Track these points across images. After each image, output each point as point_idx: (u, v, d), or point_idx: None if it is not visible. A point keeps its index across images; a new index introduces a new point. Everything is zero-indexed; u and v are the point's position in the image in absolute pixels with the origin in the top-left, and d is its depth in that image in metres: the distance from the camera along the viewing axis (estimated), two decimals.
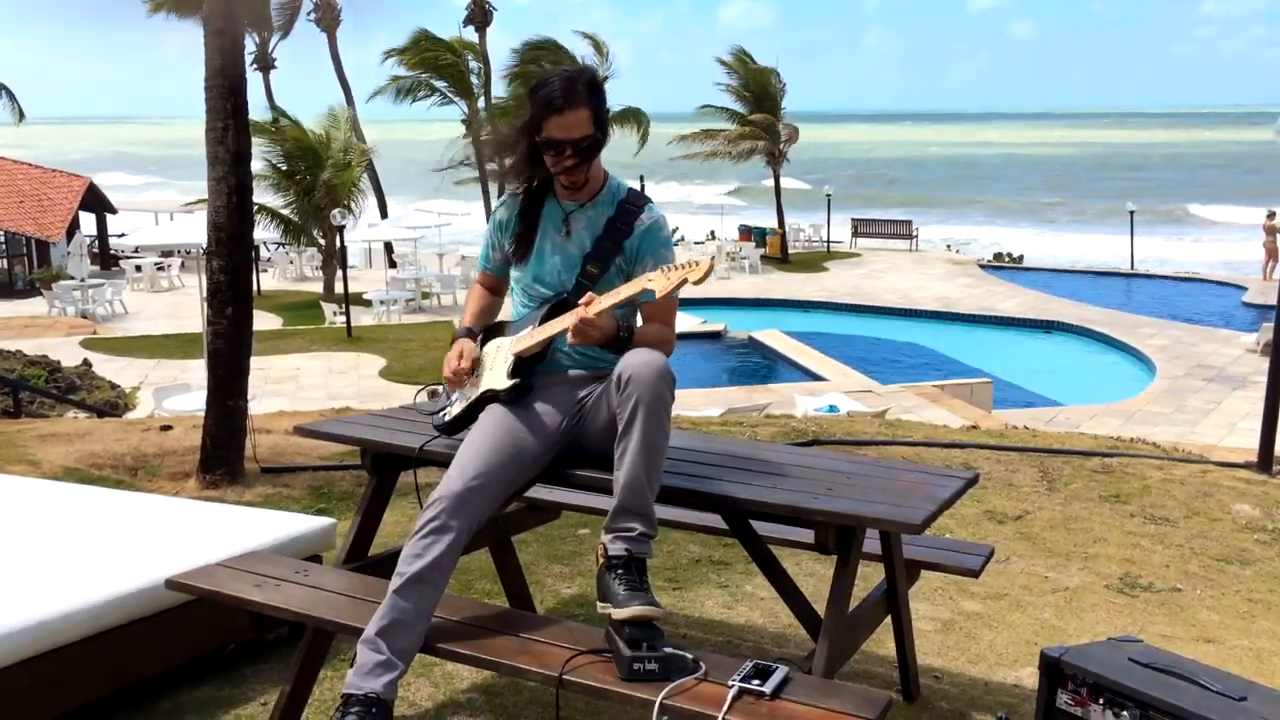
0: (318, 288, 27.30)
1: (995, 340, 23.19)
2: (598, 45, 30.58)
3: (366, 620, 2.67)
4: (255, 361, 17.59)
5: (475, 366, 3.02)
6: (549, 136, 2.80)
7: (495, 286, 3.21)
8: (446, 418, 3.05)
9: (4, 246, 31.97)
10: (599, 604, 2.65)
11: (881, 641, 3.82)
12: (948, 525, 5.55)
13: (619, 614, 2.55)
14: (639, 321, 3.00)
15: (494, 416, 2.91)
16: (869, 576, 3.56)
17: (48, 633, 2.95)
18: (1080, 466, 6.87)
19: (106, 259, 33.30)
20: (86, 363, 17.04)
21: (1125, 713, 2.25)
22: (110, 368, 17.31)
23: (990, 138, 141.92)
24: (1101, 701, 2.31)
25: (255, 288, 26.49)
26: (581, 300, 2.77)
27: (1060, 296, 26.71)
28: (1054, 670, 2.42)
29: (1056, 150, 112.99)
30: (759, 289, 28.03)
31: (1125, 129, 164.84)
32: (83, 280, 25.38)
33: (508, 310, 3.21)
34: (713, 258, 2.68)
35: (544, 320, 2.92)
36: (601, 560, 2.67)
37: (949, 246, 38.43)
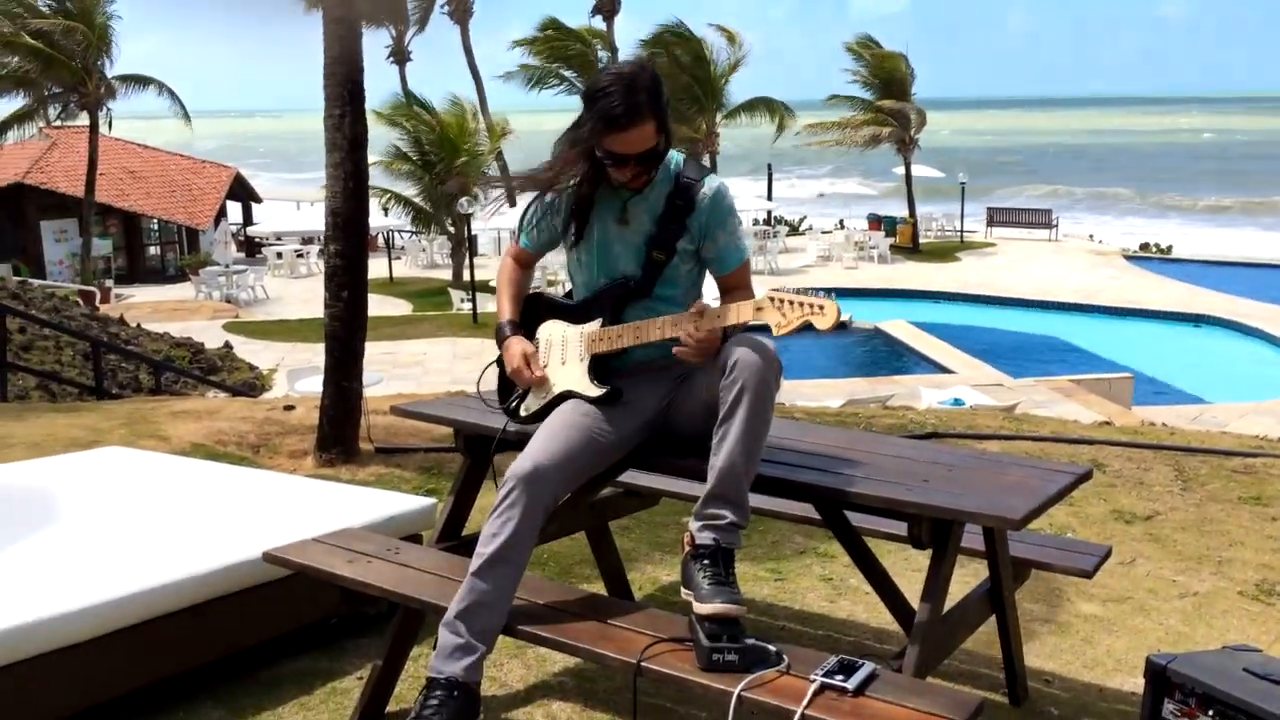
0: (447, 275, 27.93)
1: (1138, 334, 22.22)
2: (730, 36, 30.36)
3: (451, 599, 2.67)
4: (383, 346, 18.08)
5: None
6: (610, 150, 2.65)
7: (529, 261, 3.06)
8: (522, 410, 2.97)
9: (157, 234, 33.72)
10: (682, 590, 2.60)
11: (991, 641, 3.66)
12: (1070, 524, 5.31)
13: (700, 609, 2.49)
14: (704, 296, 2.86)
15: (574, 403, 2.84)
16: (983, 574, 3.42)
17: (150, 601, 3.05)
18: (1219, 466, 6.49)
19: (251, 246, 34.76)
20: (228, 345, 17.80)
21: None
22: (250, 350, 18.04)
23: (1137, 124, 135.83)
24: (1211, 713, 2.14)
25: (388, 274, 27.38)
26: (693, 309, 2.63)
27: (1211, 289, 25.38)
28: (1160, 678, 2.25)
29: (1210, 137, 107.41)
30: (887, 279, 27.48)
31: None
32: (227, 266, 26.52)
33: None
34: (838, 307, 2.53)
35: (611, 309, 2.82)
36: (688, 548, 2.61)
37: (1091, 237, 36.97)
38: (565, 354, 2.89)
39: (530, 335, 2.96)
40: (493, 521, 2.67)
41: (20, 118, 29.17)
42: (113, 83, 27.85)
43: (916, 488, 2.69)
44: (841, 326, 21.37)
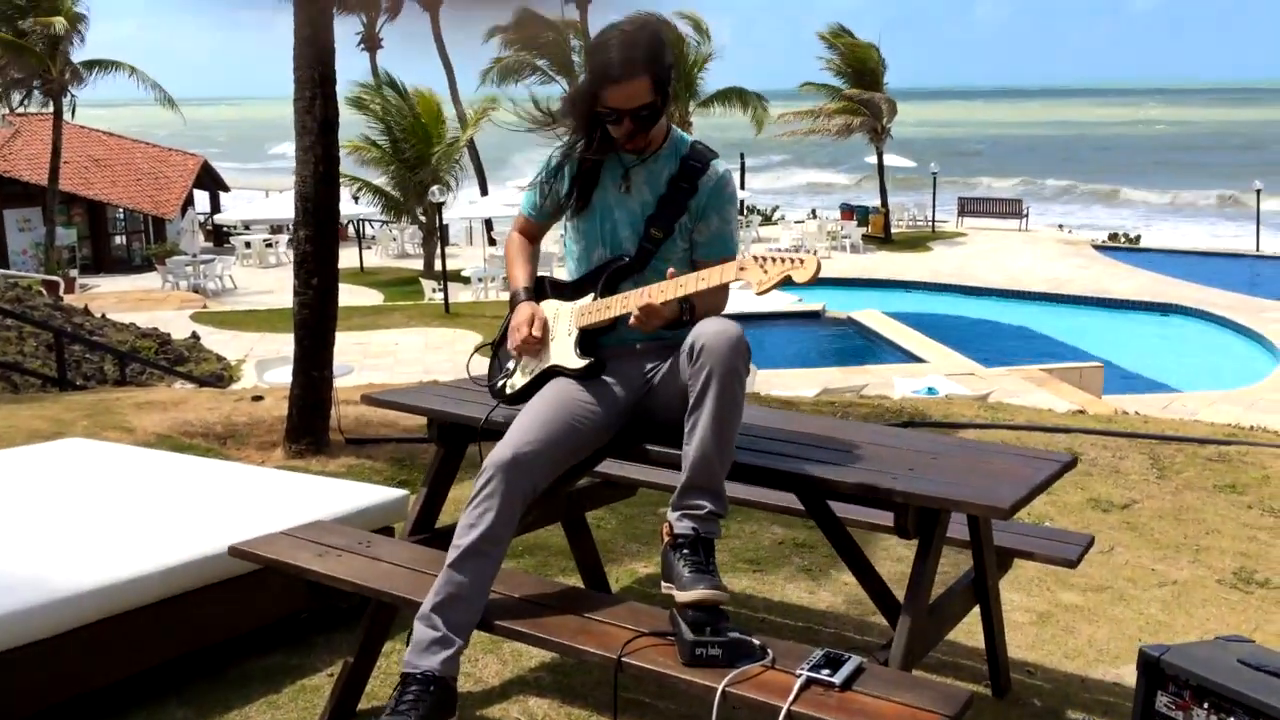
0: (419, 265, 27.72)
1: (1108, 323, 22.36)
2: (698, 25, 30.26)
3: (425, 593, 2.59)
4: (354, 336, 17.89)
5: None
6: (607, 105, 2.64)
7: (535, 234, 3.05)
8: (508, 389, 2.93)
9: (123, 223, 33.25)
10: (663, 584, 2.53)
11: (971, 632, 3.62)
12: (1048, 513, 5.28)
13: (682, 597, 2.42)
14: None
15: (555, 386, 2.79)
16: (961, 564, 3.37)
17: (116, 595, 2.95)
18: (1194, 454, 6.50)
19: (219, 236, 34.35)
20: (195, 335, 17.57)
21: (1233, 718, 2.04)
22: (217, 340, 17.82)
23: (1106, 114, 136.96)
24: (1206, 706, 2.10)
25: (359, 264, 27.12)
26: (656, 285, 2.61)
27: (1179, 279, 25.58)
28: (1154, 670, 2.21)
29: (1178, 128, 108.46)
30: (860, 268, 27.52)
31: (1253, 105, 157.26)
32: (195, 256, 26.18)
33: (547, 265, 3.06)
34: (818, 260, 2.46)
35: (605, 284, 2.78)
36: (667, 539, 2.55)
37: (1061, 227, 37.20)
38: (556, 330, 2.85)
39: None
40: (470, 512, 2.59)
41: None
42: (79, 68, 27.35)
43: (902, 476, 2.63)
44: (814, 316, 21.42)
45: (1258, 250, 31.66)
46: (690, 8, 30.31)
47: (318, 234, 5.51)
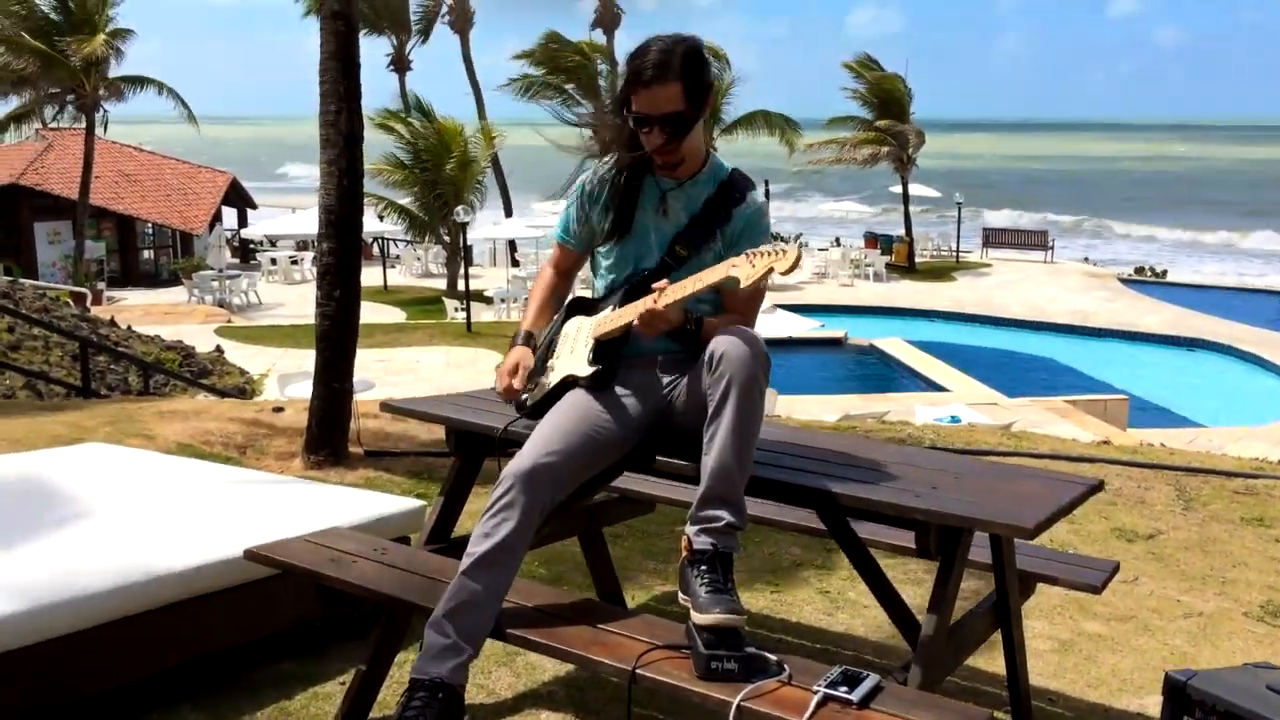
0: (442, 284, 27.83)
1: (1133, 357, 22.19)
2: (717, 54, 30.33)
3: (438, 601, 2.57)
4: (376, 353, 17.94)
5: (530, 381, 2.86)
6: (637, 111, 2.63)
7: (570, 267, 3.00)
8: (527, 401, 2.92)
9: (151, 238, 33.57)
10: (680, 597, 2.49)
11: (992, 658, 3.56)
12: (1071, 541, 5.21)
13: (699, 619, 2.38)
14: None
15: (574, 398, 2.77)
16: (983, 590, 3.32)
17: (131, 596, 2.94)
18: (1221, 487, 6.41)
19: (245, 253, 34.61)
20: (219, 349, 17.67)
21: None
22: (241, 354, 17.91)
23: (1130, 149, 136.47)
24: None
25: (383, 283, 27.25)
26: (655, 286, 2.60)
27: (1206, 314, 25.37)
28: (1179, 695, 2.16)
29: (1202, 164, 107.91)
30: (883, 297, 27.45)
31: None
32: (221, 271, 26.38)
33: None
34: (800, 245, 2.46)
35: (624, 300, 2.76)
36: (685, 554, 2.51)
37: (1087, 259, 37.00)
38: (575, 343, 2.83)
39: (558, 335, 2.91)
40: (486, 521, 2.56)
41: (16, 118, 29.03)
42: (118, 83, 27.68)
43: (925, 494, 2.59)
44: (836, 343, 21.33)
45: None
46: (712, 38, 30.40)
47: (340, 246, 5.53)
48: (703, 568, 2.46)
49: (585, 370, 2.78)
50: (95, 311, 19.21)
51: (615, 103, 2.74)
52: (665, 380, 2.80)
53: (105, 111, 27.78)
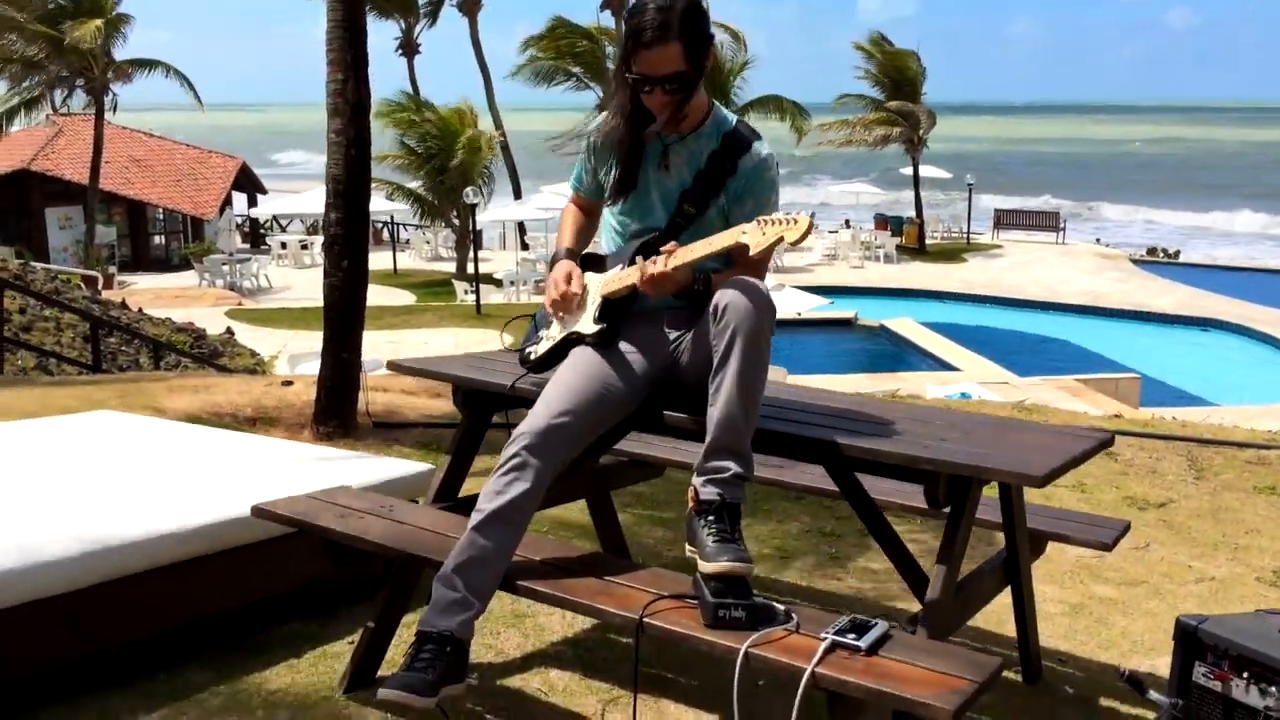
0: (451, 268, 27.82)
1: (1146, 337, 22.09)
2: (735, 34, 30.16)
3: (446, 555, 2.56)
4: (386, 334, 17.91)
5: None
6: (638, 71, 2.58)
7: (589, 208, 3.01)
8: (533, 355, 2.92)
9: (162, 223, 33.65)
10: (687, 548, 2.49)
11: (1002, 620, 3.54)
12: (1081, 509, 5.18)
13: (706, 568, 2.38)
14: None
15: (582, 355, 2.76)
16: (991, 553, 3.30)
17: (139, 552, 2.94)
18: (1233, 457, 6.38)
19: (255, 237, 34.65)
20: (229, 331, 17.69)
21: (1274, 688, 1.97)
22: (252, 337, 17.94)
23: (1144, 132, 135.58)
24: (1246, 675, 2.03)
25: (392, 266, 27.23)
26: (663, 248, 2.58)
27: (1219, 294, 25.22)
28: (1191, 640, 2.14)
29: (1214, 146, 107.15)
30: (893, 278, 27.36)
31: None
32: (231, 254, 26.42)
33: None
34: (812, 215, 2.43)
35: (633, 259, 2.74)
36: (692, 504, 2.50)
37: (1098, 240, 36.81)
38: (584, 300, 2.81)
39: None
40: (497, 479, 2.56)
41: (27, 104, 29.07)
42: (123, 66, 27.71)
43: (933, 445, 2.57)
44: (846, 323, 21.25)
45: None
46: (726, 20, 30.22)
47: (348, 216, 5.52)
48: (710, 518, 2.45)
49: (591, 328, 2.77)
50: (106, 295, 19.25)
51: (617, 63, 2.71)
52: (672, 336, 2.79)
53: (115, 95, 27.81)
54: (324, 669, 3.15)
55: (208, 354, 15.13)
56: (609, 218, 2.90)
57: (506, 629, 3.48)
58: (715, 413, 2.49)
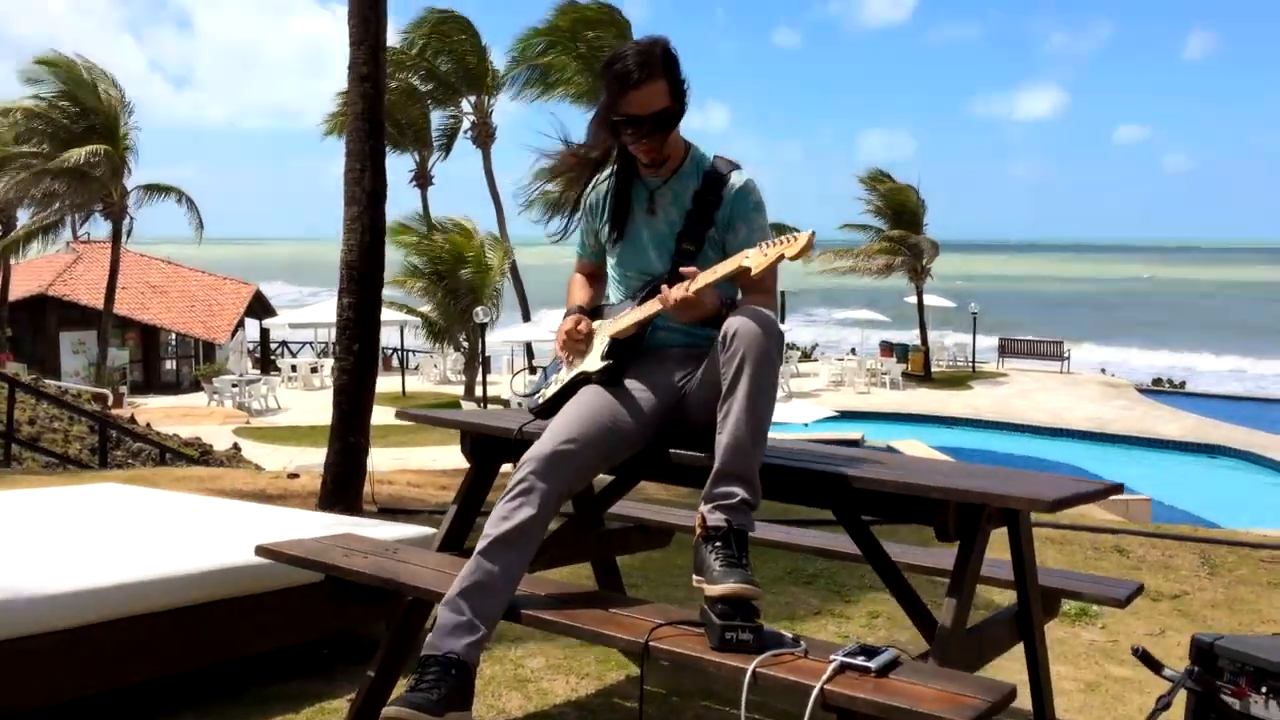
0: (460, 391, 27.94)
1: (1154, 463, 21.95)
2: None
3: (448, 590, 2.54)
4: (394, 452, 17.80)
5: (592, 336, 2.90)
6: (626, 113, 2.67)
7: (595, 273, 3.09)
8: (541, 400, 2.95)
9: (175, 348, 34.02)
10: (694, 578, 2.46)
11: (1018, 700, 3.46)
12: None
13: (712, 590, 2.35)
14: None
15: (590, 391, 2.79)
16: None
17: (138, 594, 2.91)
18: (1247, 556, 6.30)
19: (266, 362, 34.94)
20: (236, 447, 17.70)
21: None
22: (259, 453, 17.92)
23: (1149, 270, 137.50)
24: (1264, 690, 1.99)
25: (401, 390, 27.31)
26: (684, 271, 2.64)
27: (1227, 422, 25.20)
28: (1207, 657, 2.10)
29: (1214, 287, 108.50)
30: (900, 404, 27.38)
31: None
32: (241, 375, 26.60)
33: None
34: (812, 232, 2.50)
35: (643, 299, 2.81)
36: (699, 531, 2.49)
37: (1104, 370, 36.95)
38: (592, 346, 2.87)
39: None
40: (504, 504, 2.55)
41: (46, 229, 29.74)
42: (127, 191, 28.41)
43: (940, 478, 2.57)
44: (853, 444, 21.17)
45: None
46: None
47: (360, 301, 5.61)
48: (717, 544, 2.43)
49: (598, 365, 2.81)
50: (115, 412, 19.34)
51: (599, 114, 2.78)
52: (679, 375, 2.82)
53: (132, 220, 28.47)
54: None
55: (214, 466, 15.12)
56: (611, 273, 2.98)
57: (509, 691, 3.42)
58: (723, 439, 2.49)
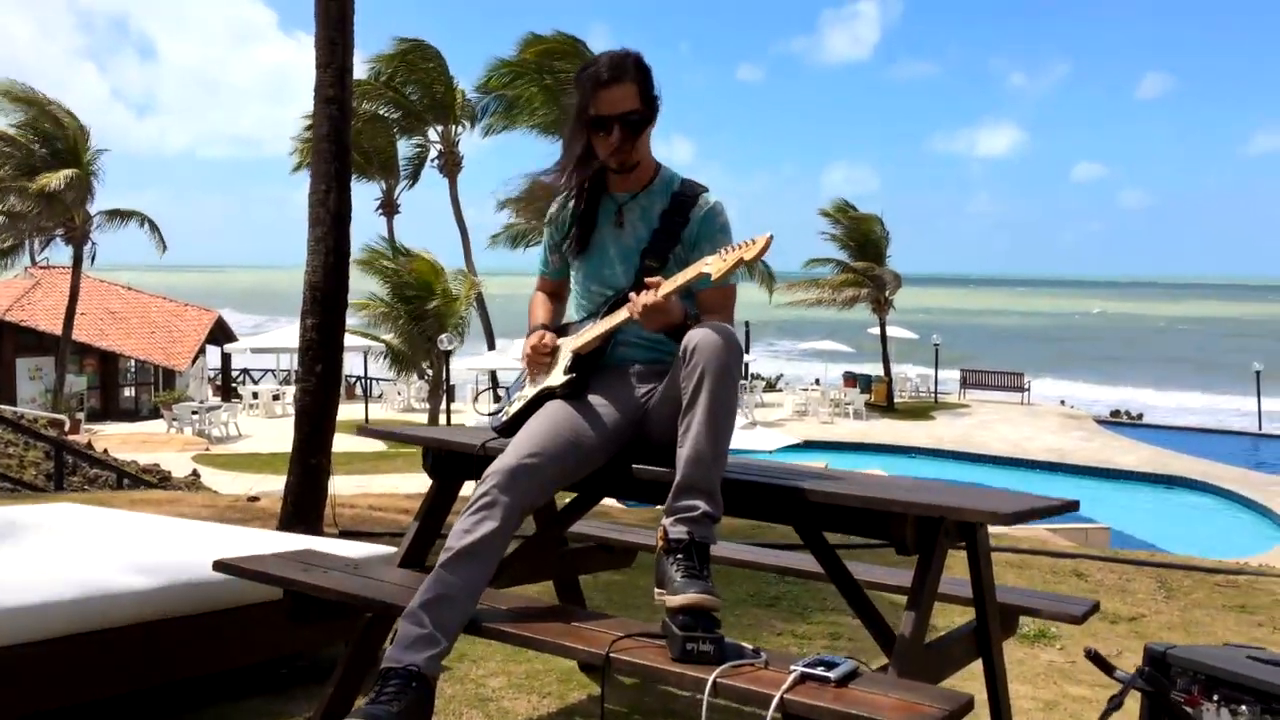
0: (424, 419, 27.78)
1: (1112, 493, 22.21)
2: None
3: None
4: (356, 479, 17.65)
5: (556, 352, 2.91)
6: (597, 113, 2.74)
7: (555, 291, 3.11)
8: (505, 418, 2.96)
9: (134, 375, 33.57)
10: (656, 592, 2.47)
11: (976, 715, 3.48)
12: (1050, 622, 5.15)
13: (674, 601, 2.36)
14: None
15: (553, 406, 2.80)
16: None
17: (94, 609, 2.87)
18: (1203, 580, 6.38)
19: (228, 391, 34.58)
20: (195, 474, 17.48)
21: (1244, 708, 1.96)
22: (218, 480, 17.70)
23: (1100, 305, 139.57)
24: (1216, 698, 2.02)
25: (364, 418, 27.10)
26: (649, 281, 2.67)
27: (1182, 453, 25.58)
28: (1160, 665, 2.13)
29: (1166, 322, 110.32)
30: (863, 434, 27.55)
31: (1239, 300, 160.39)
32: (202, 402, 26.31)
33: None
34: (769, 235, 2.54)
35: (605, 314, 2.83)
36: (661, 544, 2.50)
37: (1063, 402, 37.38)
38: (555, 362, 2.89)
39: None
40: (466, 518, 2.55)
41: (3, 254, 29.36)
42: (91, 216, 28.16)
43: (900, 493, 2.60)
44: None
45: (1260, 429, 31.69)
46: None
47: (324, 323, 5.58)
48: (679, 556, 2.44)
49: (560, 379, 2.82)
50: (72, 439, 19.04)
51: (572, 118, 2.83)
52: (641, 391, 2.84)
53: (94, 245, 28.19)
54: None
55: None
56: (575, 287, 3.00)
57: (470, 709, 3.39)
58: (684, 452, 2.51)
